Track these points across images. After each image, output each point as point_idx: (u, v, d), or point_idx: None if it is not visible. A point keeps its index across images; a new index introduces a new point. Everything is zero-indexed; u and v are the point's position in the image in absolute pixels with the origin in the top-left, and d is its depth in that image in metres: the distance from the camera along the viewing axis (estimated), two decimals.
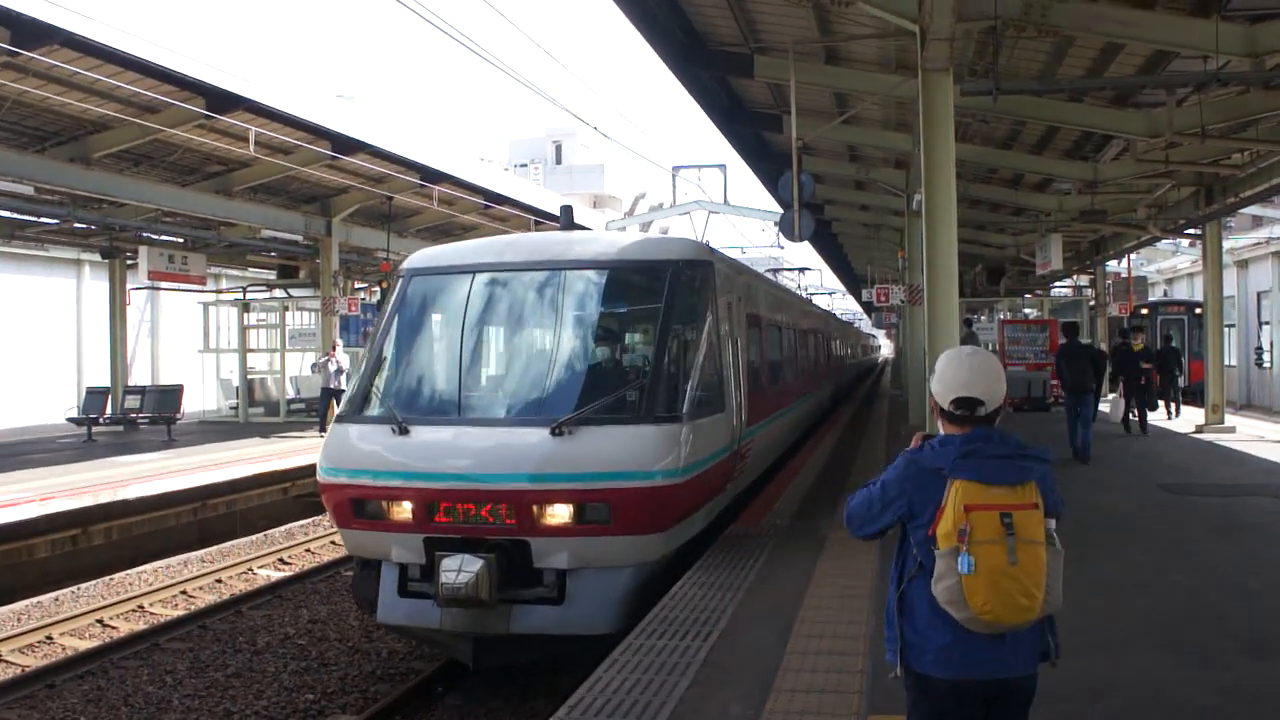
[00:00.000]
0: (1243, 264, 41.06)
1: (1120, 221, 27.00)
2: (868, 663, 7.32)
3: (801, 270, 58.51)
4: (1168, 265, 50.68)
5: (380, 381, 10.73)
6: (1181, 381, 25.04)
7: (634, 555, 9.52)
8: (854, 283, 64.44)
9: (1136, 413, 23.31)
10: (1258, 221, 40.41)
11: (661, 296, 10.57)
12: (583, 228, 16.44)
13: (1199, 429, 23.31)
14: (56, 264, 34.87)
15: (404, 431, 9.72)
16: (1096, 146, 21.46)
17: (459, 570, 8.84)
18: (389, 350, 10.91)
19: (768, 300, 17.41)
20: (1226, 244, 31.90)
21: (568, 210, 12.64)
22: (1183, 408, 27.90)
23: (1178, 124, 15.91)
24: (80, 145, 21.51)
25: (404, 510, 9.60)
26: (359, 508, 9.81)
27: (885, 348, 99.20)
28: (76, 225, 26.90)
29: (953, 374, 4.21)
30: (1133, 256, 38.58)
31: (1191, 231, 26.21)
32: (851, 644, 7.77)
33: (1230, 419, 24.35)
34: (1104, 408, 26.76)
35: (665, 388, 10.07)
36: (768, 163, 26.46)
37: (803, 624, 8.34)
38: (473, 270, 11.04)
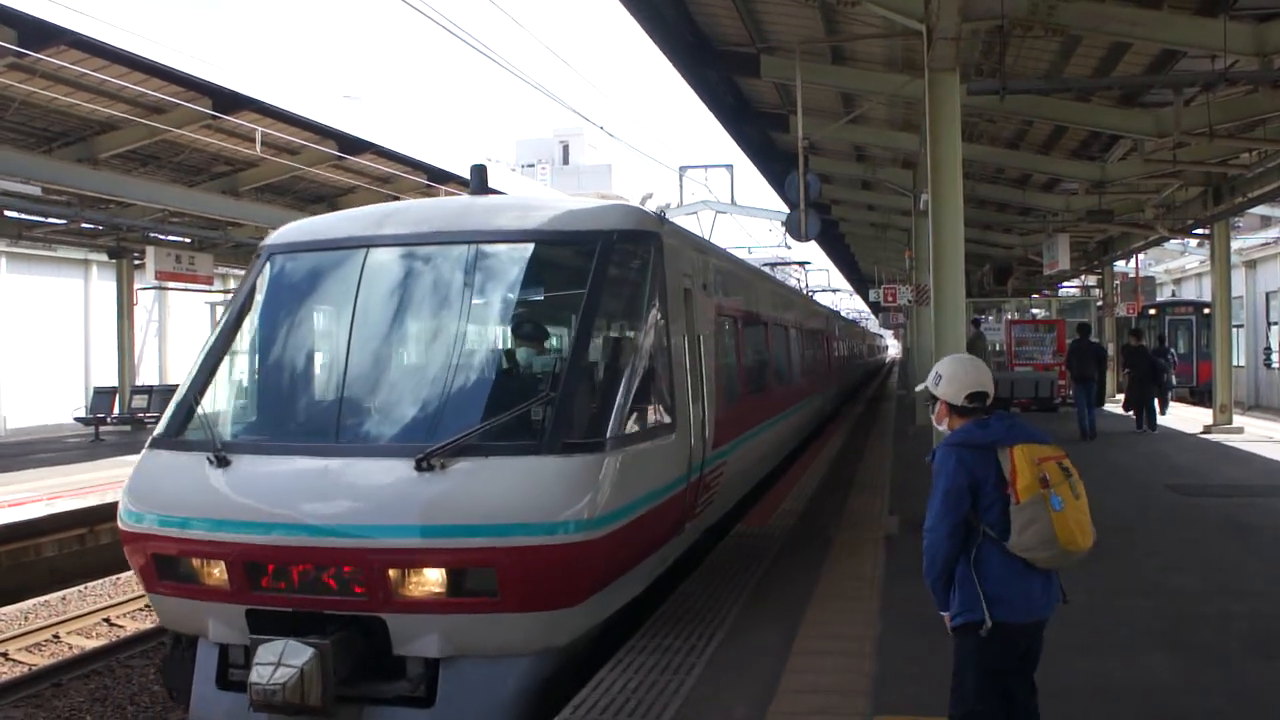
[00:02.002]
0: (1251, 264, 40.94)
1: (1128, 221, 26.94)
2: (874, 663, 7.31)
3: (803, 265, 55.21)
4: (1176, 265, 50.53)
5: (208, 392, 8.27)
6: (1168, 380, 25.29)
7: (532, 639, 7.11)
8: (861, 283, 64.44)
9: (1136, 410, 24.04)
10: (1266, 221, 40.27)
11: (584, 279, 8.10)
12: (499, 194, 11.97)
13: (1207, 429, 23.26)
14: (64, 264, 34.93)
15: (222, 462, 7.37)
16: (1104, 146, 21.43)
17: (278, 663, 6.62)
18: (222, 351, 8.59)
19: (748, 291, 14.96)
20: (1235, 244, 31.81)
21: (480, 171, 9.79)
22: (1169, 405, 28.04)
23: (1185, 123, 15.86)
24: (87, 145, 21.55)
25: (219, 573, 7.22)
26: (166, 566, 7.46)
27: (893, 348, 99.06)
28: (84, 225, 26.98)
29: (963, 375, 5.16)
30: (1140, 256, 38.49)
31: (1199, 231, 26.14)
32: (857, 644, 7.75)
33: (1238, 419, 24.31)
34: (1115, 408, 26.74)
35: (582, 403, 7.66)
36: (774, 163, 26.43)
37: (809, 624, 8.32)
38: (337, 246, 8.66)
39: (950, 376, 5.13)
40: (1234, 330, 29.03)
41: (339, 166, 26.13)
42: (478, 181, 9.68)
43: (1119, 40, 14.59)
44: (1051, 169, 23.30)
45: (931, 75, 12.46)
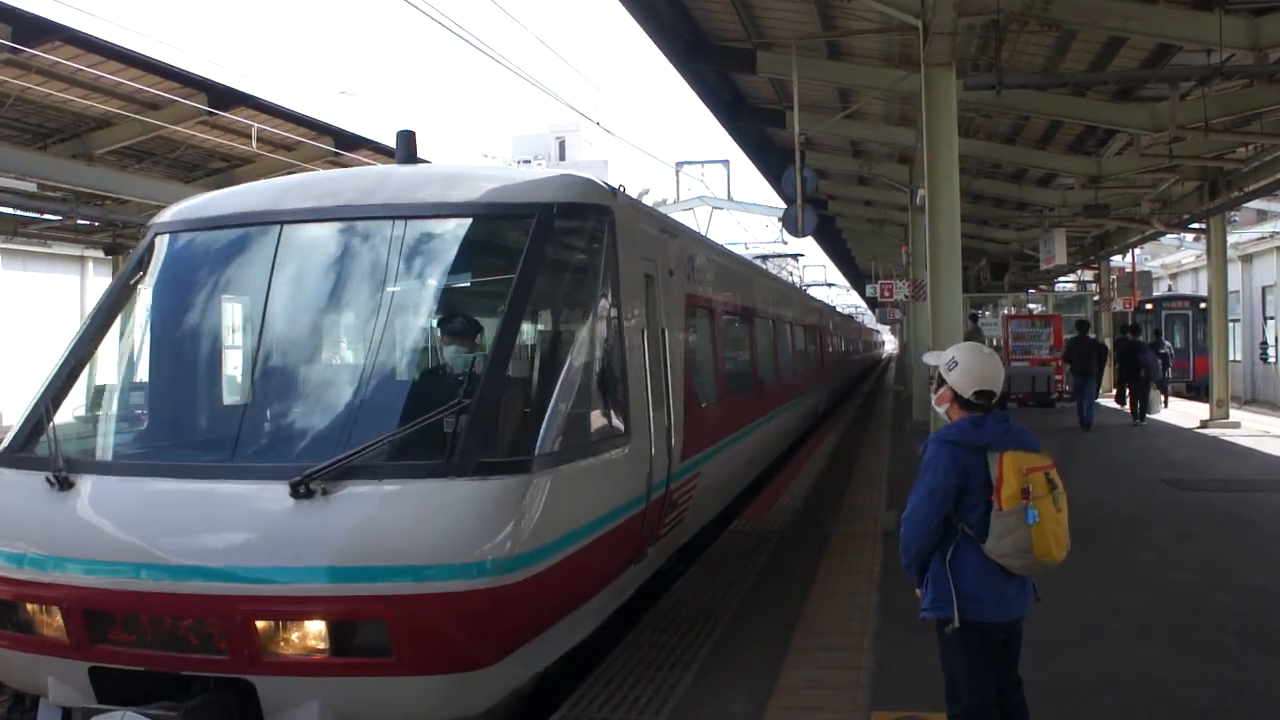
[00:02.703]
0: (1247, 259, 40.94)
1: (1124, 216, 26.97)
2: (871, 658, 7.32)
3: (795, 257, 52.91)
4: (1172, 260, 50.54)
5: (63, 400, 6.95)
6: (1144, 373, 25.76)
7: (436, 708, 5.91)
8: (858, 278, 64.44)
9: (1134, 402, 24.93)
10: (1262, 216, 40.25)
11: (515, 260, 6.76)
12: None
13: (1204, 424, 23.30)
14: (59, 260, 34.85)
15: (63, 484, 6.07)
16: (1100, 141, 21.43)
17: None
18: (89, 348, 7.30)
19: (729, 281, 13.61)
20: (1231, 238, 31.81)
21: (407, 138, 8.26)
22: (1168, 400, 28.37)
23: (1181, 118, 15.86)
24: (83, 142, 21.51)
25: (57, 622, 5.92)
26: (2, 612, 6.14)
27: (890, 343, 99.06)
28: (80, 221, 26.94)
29: (978, 368, 5.06)
30: (1137, 251, 38.46)
31: (1195, 226, 26.24)
32: (855, 639, 7.76)
33: (1235, 414, 24.35)
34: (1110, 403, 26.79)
35: (505, 411, 6.39)
36: (771, 158, 26.41)
37: (806, 620, 8.33)
38: (226, 225, 7.40)
39: (965, 367, 5.05)
40: (1230, 325, 29.11)
41: (335, 163, 26.07)
42: (404, 150, 8.19)
43: (1115, 35, 14.58)
44: (1048, 164, 23.30)
45: (927, 70, 12.45)
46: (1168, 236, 35.78)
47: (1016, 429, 4.95)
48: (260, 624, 5.62)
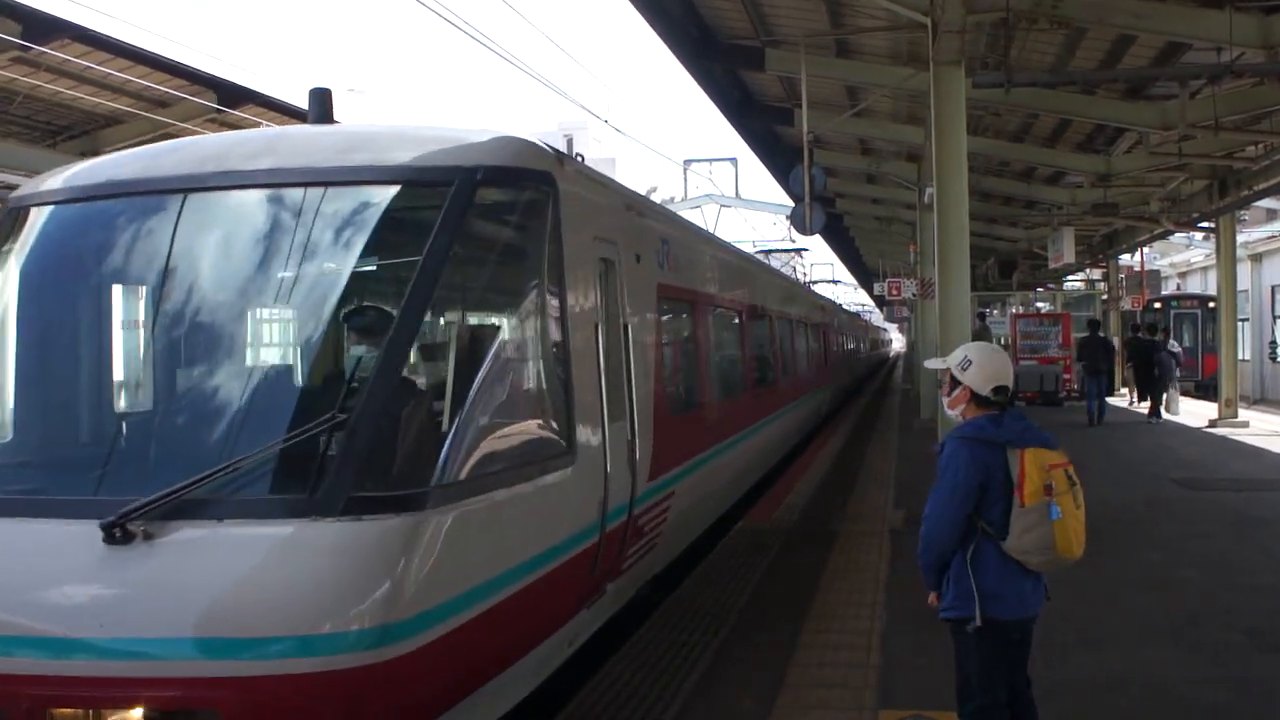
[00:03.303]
0: (1257, 258, 40.81)
1: (1133, 215, 26.92)
2: (879, 657, 7.30)
3: (798, 252, 50.04)
4: (1181, 259, 50.46)
5: None
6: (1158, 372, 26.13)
7: None
8: (866, 276, 64.36)
9: (1147, 399, 25.64)
10: (1272, 215, 40.22)
11: (426, 237, 5.49)
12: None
13: (1212, 423, 23.23)
14: None
15: None
16: (1109, 139, 21.38)
17: None
18: None
19: (714, 271, 12.42)
20: (1240, 238, 31.69)
21: (320, 96, 6.80)
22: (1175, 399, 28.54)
23: (1191, 116, 15.83)
24: (92, 139, 21.54)
25: None
26: None
27: (898, 342, 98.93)
28: None
29: (992, 364, 5.04)
30: (1146, 250, 38.38)
31: (1205, 225, 26.12)
32: (862, 638, 7.75)
33: (1244, 413, 24.27)
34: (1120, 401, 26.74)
35: (394, 428, 5.15)
36: (779, 156, 26.40)
37: (814, 618, 8.32)
38: (92, 196, 5.98)
39: (980, 364, 5.01)
40: (1239, 324, 29.03)
41: None
42: (318, 110, 6.80)
43: (1125, 32, 14.54)
44: (1057, 162, 23.27)
45: (936, 68, 12.43)
46: (1176, 235, 35.72)
47: (1034, 426, 4.95)
48: (58, 712, 4.38)
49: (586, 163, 7.87)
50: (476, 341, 5.93)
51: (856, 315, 54.70)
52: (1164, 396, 25.22)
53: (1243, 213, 32.04)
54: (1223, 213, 23.17)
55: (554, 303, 6.35)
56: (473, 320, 6.20)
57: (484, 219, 6.12)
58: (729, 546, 11.14)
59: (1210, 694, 6.65)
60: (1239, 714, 6.38)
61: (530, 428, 6.13)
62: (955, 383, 5.04)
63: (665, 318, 9.60)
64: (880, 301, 60.34)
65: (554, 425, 6.28)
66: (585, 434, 6.55)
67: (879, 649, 7.49)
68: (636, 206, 8.93)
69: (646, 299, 8.60)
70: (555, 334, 6.34)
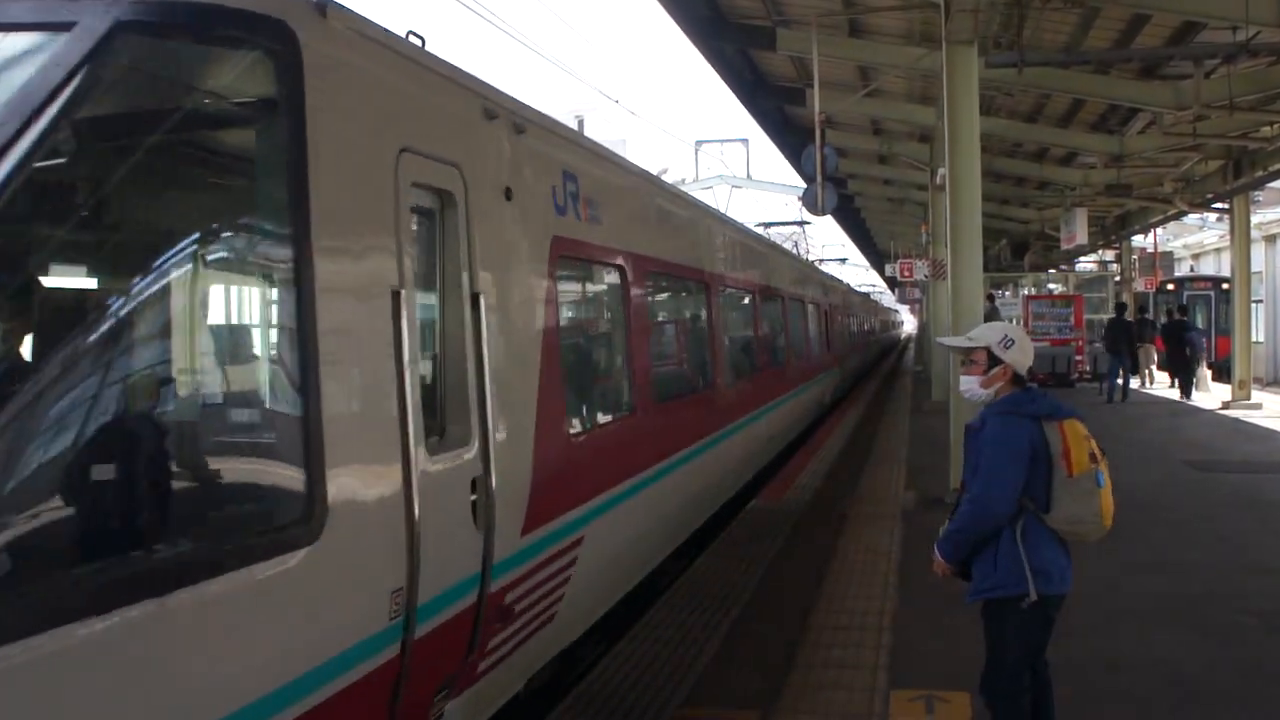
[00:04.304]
0: (1271, 239, 40.57)
1: (1146, 195, 26.78)
2: (889, 638, 7.31)
3: (801, 224, 45.43)
4: (1194, 240, 50.19)
5: None
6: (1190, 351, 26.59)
7: None
8: (877, 258, 64.29)
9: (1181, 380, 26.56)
10: None
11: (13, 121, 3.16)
12: None
13: (1225, 405, 23.17)
14: None
15: None
16: (1123, 119, 21.27)
17: None
18: None
19: (658, 226, 9.61)
20: (1255, 218, 31.49)
21: None
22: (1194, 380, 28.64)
23: (1205, 96, 15.72)
24: None
25: None
26: None
27: (909, 323, 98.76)
28: None
29: (1029, 344, 5.09)
30: (1159, 231, 38.21)
31: (1219, 206, 25.97)
32: (873, 619, 7.76)
33: (1257, 395, 24.21)
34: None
35: None
36: (791, 137, 26.31)
37: (825, 599, 8.34)
38: None
39: (1021, 344, 5.03)
40: (1253, 306, 28.92)
41: None
42: None
43: (1139, 11, 14.46)
44: (1070, 142, 23.17)
45: (949, 48, 12.39)
46: (1190, 216, 35.54)
47: (1062, 401, 5.01)
48: None
49: (605, 142, 7.12)
50: (93, 322, 3.41)
51: (865, 296, 53.67)
52: (1194, 376, 26.18)
53: (1257, 193, 31.84)
54: (1237, 193, 23.06)
55: (282, 252, 3.95)
56: (100, 284, 4.02)
57: (131, 93, 3.65)
58: (740, 527, 11.15)
59: (1219, 676, 6.65)
60: (1248, 696, 6.37)
61: (204, 484, 3.67)
62: (992, 361, 5.00)
63: (568, 287, 7.33)
64: (892, 283, 60.27)
65: (275, 470, 3.89)
66: (355, 482, 4.08)
67: (890, 630, 7.51)
68: (512, 117, 5.93)
69: (528, 259, 6.04)
70: (283, 312, 4.03)
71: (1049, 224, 31.91)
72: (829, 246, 68.97)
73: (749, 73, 22.00)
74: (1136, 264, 35.86)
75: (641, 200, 9.14)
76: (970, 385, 5.09)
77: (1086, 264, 42.81)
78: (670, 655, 7.03)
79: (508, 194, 5.72)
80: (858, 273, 76.27)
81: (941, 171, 14.50)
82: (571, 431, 6.60)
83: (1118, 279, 36.07)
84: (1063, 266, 40.93)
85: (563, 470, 6.22)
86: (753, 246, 15.54)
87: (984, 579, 4.86)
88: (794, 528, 11.08)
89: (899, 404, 26.54)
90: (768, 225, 41.41)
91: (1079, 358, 30.01)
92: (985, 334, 5.12)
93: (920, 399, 26.12)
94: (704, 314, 11.29)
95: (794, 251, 30.80)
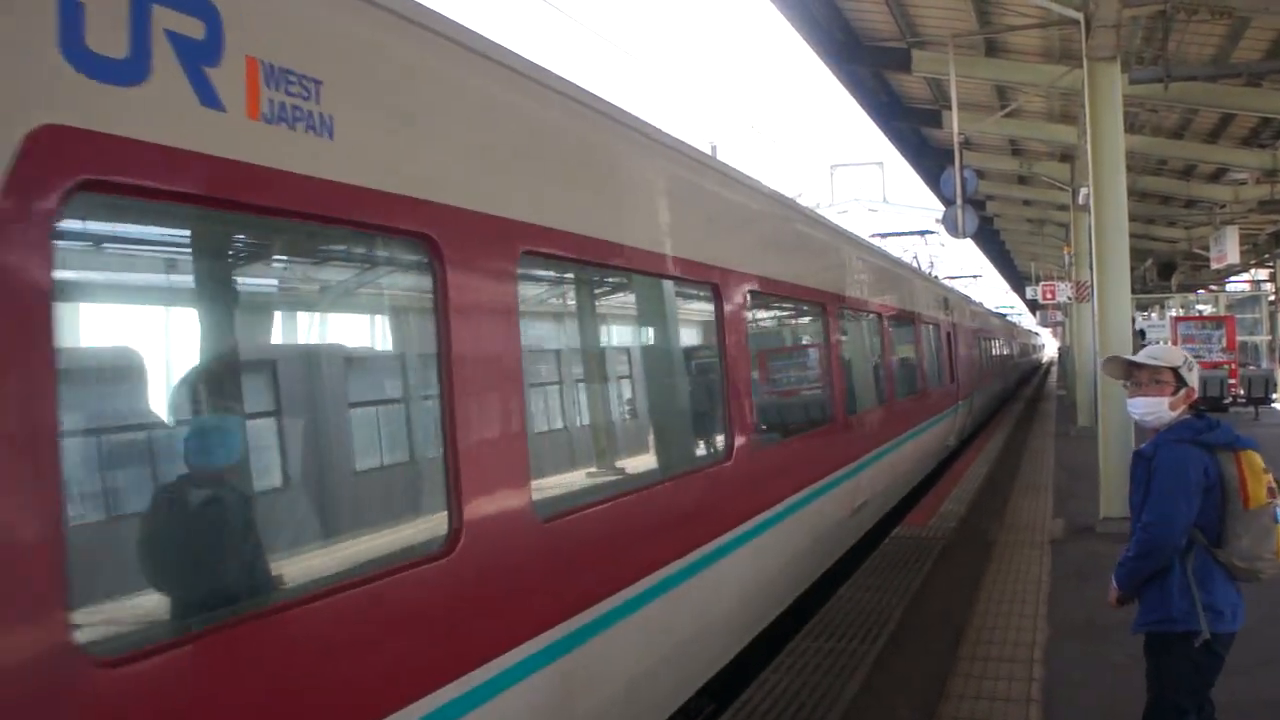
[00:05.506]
0: None
1: None
2: (1041, 670, 7.12)
3: (923, 234, 40.91)
4: None
5: None
6: None
7: None
8: (1017, 280, 63.23)
9: None
10: None
11: None
12: None
13: None
14: None
15: None
16: (1276, 133, 20.58)
17: None
18: None
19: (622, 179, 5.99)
20: None
21: None
22: None
23: None
24: None
25: None
26: None
27: (1050, 346, 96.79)
28: None
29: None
30: None
31: None
32: (1024, 650, 7.57)
33: None
34: None
35: None
36: (927, 159, 26.11)
37: (973, 629, 8.16)
38: None
39: (1196, 368, 4.85)
40: None
41: None
42: None
43: None
44: (1219, 158, 22.52)
45: (1091, 65, 12.14)
46: None
47: (1239, 432, 4.80)
48: None
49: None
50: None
51: (1002, 316, 51.36)
52: None
53: None
54: None
55: None
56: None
57: None
58: (885, 554, 11.00)
59: None
60: None
61: None
62: (1179, 383, 4.77)
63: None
64: (1033, 306, 59.11)
65: None
66: None
67: (1042, 662, 7.31)
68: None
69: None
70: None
71: (1197, 243, 31.06)
72: (962, 257, 67.73)
73: (884, 95, 21.90)
74: None
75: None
76: (1156, 408, 4.79)
77: (1238, 284, 41.41)
78: (816, 684, 6.94)
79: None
80: (997, 295, 75.02)
81: (1084, 191, 14.20)
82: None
83: (1272, 299, 34.84)
84: (1212, 287, 39.73)
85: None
86: (840, 244, 11.48)
87: (1152, 611, 4.66)
88: (940, 555, 10.89)
89: (1043, 429, 25.96)
90: (884, 235, 38.02)
91: (1232, 381, 28.99)
92: (1169, 354, 4.89)
93: (1064, 424, 25.53)
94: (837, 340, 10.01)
95: (915, 266, 26.24)
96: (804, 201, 15.28)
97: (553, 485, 5.07)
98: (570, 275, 5.84)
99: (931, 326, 17.62)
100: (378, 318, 4.64)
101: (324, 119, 3.48)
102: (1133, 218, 17.72)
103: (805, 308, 9.86)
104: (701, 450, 7.31)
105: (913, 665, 7.35)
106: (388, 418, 4.61)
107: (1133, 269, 13.15)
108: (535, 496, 4.49)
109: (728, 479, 6.82)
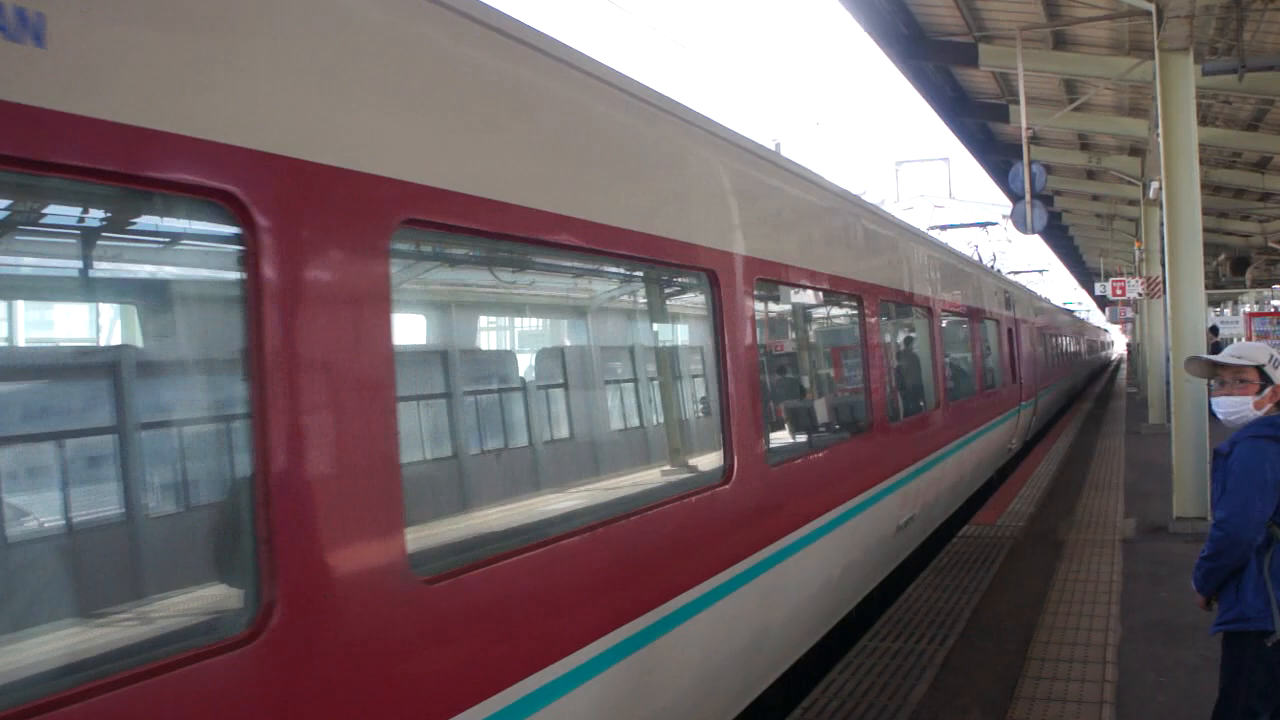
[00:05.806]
0: None
1: None
2: (1114, 671, 7.02)
3: (984, 226, 38.37)
4: None
5: None
6: None
7: None
8: (1086, 275, 62.47)
9: None
10: None
11: None
12: None
13: None
14: None
15: None
16: None
17: None
18: None
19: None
20: None
21: None
22: None
23: None
24: None
25: None
26: None
27: (1119, 342, 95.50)
28: None
29: None
30: None
31: None
32: (1096, 651, 7.46)
33: None
34: None
35: None
36: (994, 154, 25.82)
37: (1044, 629, 8.05)
38: None
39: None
40: None
41: None
42: None
43: None
44: None
45: (1162, 56, 11.93)
46: None
47: None
48: None
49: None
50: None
51: (1069, 312, 50.30)
52: None
53: None
54: None
55: None
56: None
57: None
58: (953, 553, 10.90)
59: None
60: None
61: None
62: (1264, 381, 4.69)
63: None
64: (1102, 302, 58.32)
65: None
66: None
67: (1114, 663, 7.20)
68: None
69: None
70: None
71: (1272, 237, 30.48)
72: (1029, 252, 67.02)
73: (950, 90, 21.68)
74: None
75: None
76: (1240, 407, 4.71)
77: None
78: (885, 685, 6.90)
79: None
80: (1066, 291, 74.06)
81: (1155, 185, 13.99)
82: None
83: None
84: None
85: None
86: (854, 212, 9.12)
87: (1228, 610, 4.57)
88: (1009, 554, 10.77)
89: (1113, 427, 25.59)
90: (943, 228, 35.02)
91: None
92: (1253, 352, 4.79)
93: (1135, 422, 25.16)
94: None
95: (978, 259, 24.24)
96: (869, 198, 14.07)
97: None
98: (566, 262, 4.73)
99: (992, 323, 16.39)
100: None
101: (22, 15, 2.19)
102: (1205, 211, 17.42)
103: (837, 300, 8.53)
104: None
105: (983, 666, 7.27)
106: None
107: (1205, 264, 12.90)
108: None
109: (724, 504, 5.50)
